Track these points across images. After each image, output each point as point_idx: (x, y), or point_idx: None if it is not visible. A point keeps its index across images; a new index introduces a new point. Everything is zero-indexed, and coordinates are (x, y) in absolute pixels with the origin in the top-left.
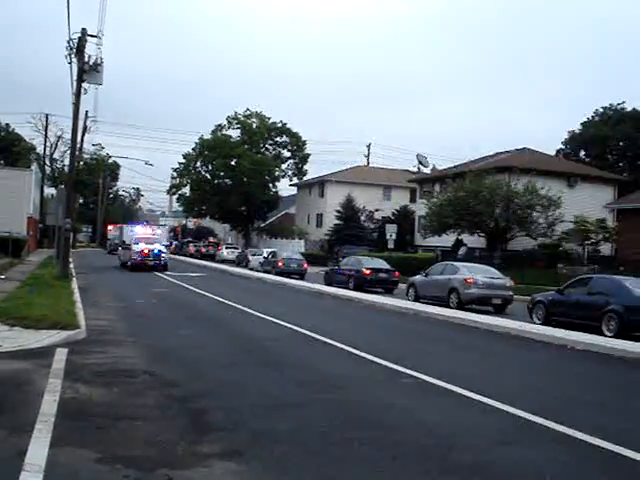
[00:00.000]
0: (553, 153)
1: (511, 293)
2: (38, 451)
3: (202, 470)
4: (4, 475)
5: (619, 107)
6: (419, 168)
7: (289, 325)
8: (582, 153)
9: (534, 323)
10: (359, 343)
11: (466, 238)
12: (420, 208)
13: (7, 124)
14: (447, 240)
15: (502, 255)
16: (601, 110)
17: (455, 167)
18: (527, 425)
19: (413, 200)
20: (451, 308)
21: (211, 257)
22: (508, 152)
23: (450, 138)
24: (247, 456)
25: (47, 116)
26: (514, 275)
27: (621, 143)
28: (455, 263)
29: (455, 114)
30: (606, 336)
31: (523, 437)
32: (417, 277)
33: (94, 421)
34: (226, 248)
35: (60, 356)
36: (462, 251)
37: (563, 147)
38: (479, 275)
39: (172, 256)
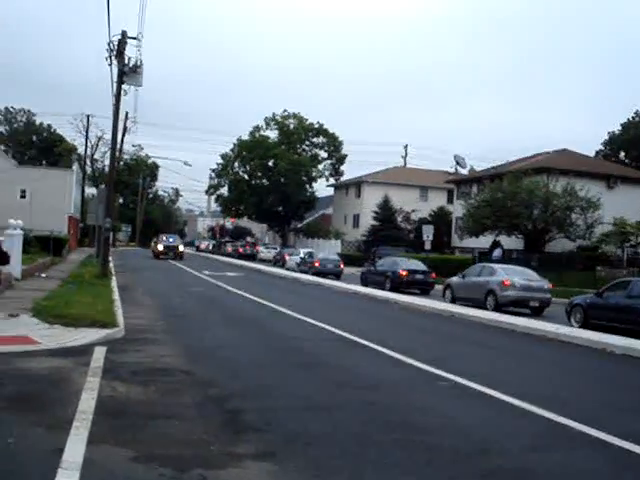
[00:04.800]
0: (592, 154)
1: (549, 296)
2: (75, 449)
3: (236, 470)
4: (41, 472)
5: None
6: (456, 169)
7: (324, 325)
8: (622, 154)
9: (572, 326)
10: (395, 344)
11: (504, 240)
12: (457, 209)
13: (49, 125)
14: (484, 242)
15: (540, 257)
16: None
17: (493, 168)
18: (563, 429)
19: (450, 201)
20: (488, 310)
21: (248, 257)
22: (547, 153)
23: (488, 139)
24: (281, 457)
25: (88, 117)
26: (552, 277)
27: None
28: (492, 265)
29: (494, 115)
30: None
31: (559, 442)
32: (454, 279)
33: (131, 419)
34: (265, 248)
35: (98, 354)
36: (497, 253)
37: (602, 148)
38: (516, 277)
39: (210, 255)
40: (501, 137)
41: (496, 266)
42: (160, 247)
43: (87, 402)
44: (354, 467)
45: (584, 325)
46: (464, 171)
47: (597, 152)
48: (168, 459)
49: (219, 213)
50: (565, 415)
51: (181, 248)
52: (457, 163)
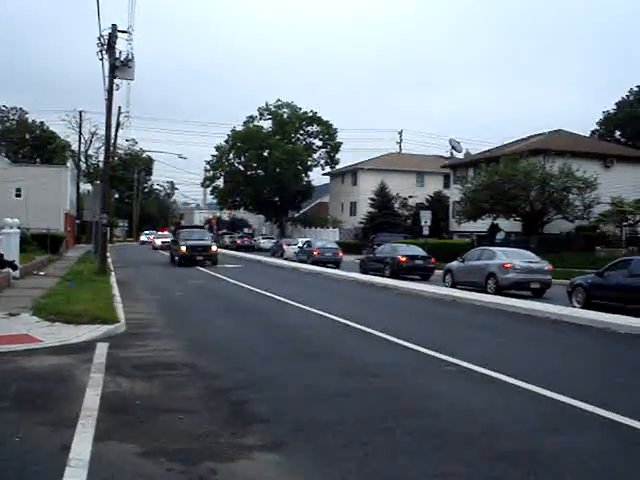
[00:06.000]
0: (588, 134)
1: (549, 277)
2: (82, 446)
3: (246, 462)
4: (49, 470)
5: None
6: (452, 153)
7: (326, 314)
8: (617, 133)
9: (574, 307)
10: (398, 331)
11: (502, 223)
12: (454, 193)
13: (42, 122)
14: (482, 225)
15: (539, 239)
16: (636, 89)
17: (488, 151)
18: (572, 411)
19: (447, 186)
20: (489, 293)
21: (247, 248)
22: (542, 134)
23: (483, 122)
24: (290, 447)
25: (81, 113)
26: (551, 259)
27: None
28: (492, 248)
29: (487, 97)
30: None
31: (568, 424)
32: (453, 263)
33: (136, 415)
34: (263, 239)
35: (101, 350)
36: (500, 236)
37: (598, 128)
38: (517, 260)
39: None
40: (496, 119)
41: (496, 249)
42: (183, 248)
43: (91, 399)
44: (364, 454)
45: (586, 305)
46: (460, 155)
47: (592, 132)
48: (176, 453)
49: (215, 205)
50: (574, 396)
51: (214, 248)
52: (452, 147)
